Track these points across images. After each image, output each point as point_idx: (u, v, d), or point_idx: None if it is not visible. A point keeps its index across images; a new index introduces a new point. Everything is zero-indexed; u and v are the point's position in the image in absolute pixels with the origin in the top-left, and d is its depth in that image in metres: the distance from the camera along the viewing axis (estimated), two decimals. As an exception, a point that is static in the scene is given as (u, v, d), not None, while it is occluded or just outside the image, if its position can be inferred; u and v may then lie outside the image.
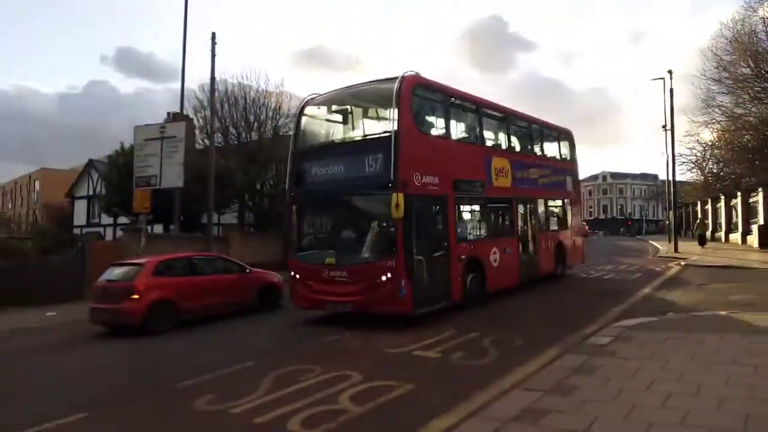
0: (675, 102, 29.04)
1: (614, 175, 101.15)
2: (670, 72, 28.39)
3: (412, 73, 10.25)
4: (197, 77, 57.11)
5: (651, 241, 40.52)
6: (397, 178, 9.16)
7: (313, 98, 11.43)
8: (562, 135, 17.19)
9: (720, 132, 36.99)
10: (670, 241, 30.52)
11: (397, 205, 8.81)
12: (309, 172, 10.63)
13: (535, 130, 15.43)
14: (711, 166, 43.54)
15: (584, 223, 60.59)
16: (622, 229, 75.73)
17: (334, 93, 11.50)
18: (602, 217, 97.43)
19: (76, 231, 33.28)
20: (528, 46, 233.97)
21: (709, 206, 38.07)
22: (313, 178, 10.54)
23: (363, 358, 7.35)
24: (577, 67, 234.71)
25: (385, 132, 9.91)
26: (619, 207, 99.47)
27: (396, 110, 9.64)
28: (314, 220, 11.32)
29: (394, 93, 9.63)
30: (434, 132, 11.18)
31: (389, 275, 9.14)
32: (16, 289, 15.47)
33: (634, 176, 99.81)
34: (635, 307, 10.68)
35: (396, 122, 9.59)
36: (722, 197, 34.82)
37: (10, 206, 59.68)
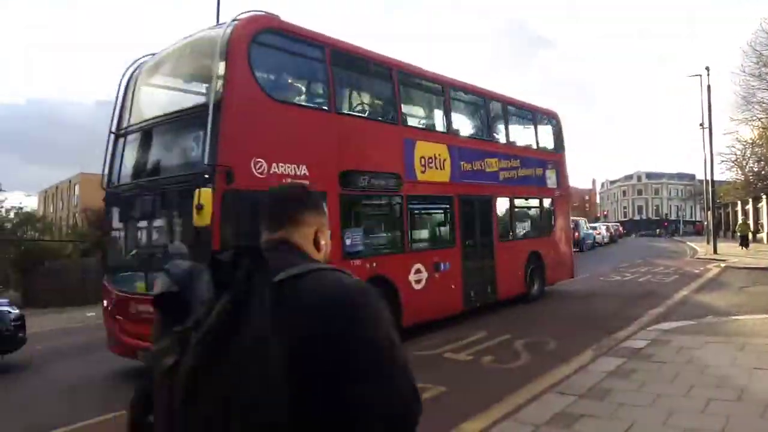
0: (713, 99, 28.19)
1: (649, 175, 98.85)
2: (707, 68, 27.66)
3: (259, 13, 7.34)
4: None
5: (688, 243, 39.47)
6: (215, 165, 6.25)
7: (141, 62, 8.38)
8: (542, 118, 13.69)
9: (761, 129, 35.84)
10: (708, 243, 29.65)
11: (199, 207, 5.81)
12: (126, 161, 7.92)
13: (495, 110, 12.09)
14: (752, 165, 42.17)
15: (600, 225, 58.29)
16: (657, 230, 73.81)
17: (166, 51, 8.22)
18: (637, 217, 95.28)
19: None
20: (548, 44, 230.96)
21: (750, 206, 36.85)
22: (130, 169, 7.82)
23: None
24: (611, 63, 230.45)
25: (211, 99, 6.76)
26: (654, 207, 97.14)
27: (223, 65, 6.72)
28: (132, 228, 8.18)
29: (221, 41, 6.74)
30: (302, 101, 8.31)
31: None
32: (57, 290, 16.03)
33: (670, 176, 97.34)
34: (672, 310, 10.40)
35: (222, 83, 6.67)
36: (764, 197, 33.65)
37: (51, 210, 61.81)
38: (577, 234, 31.88)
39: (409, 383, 1.09)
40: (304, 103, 8.30)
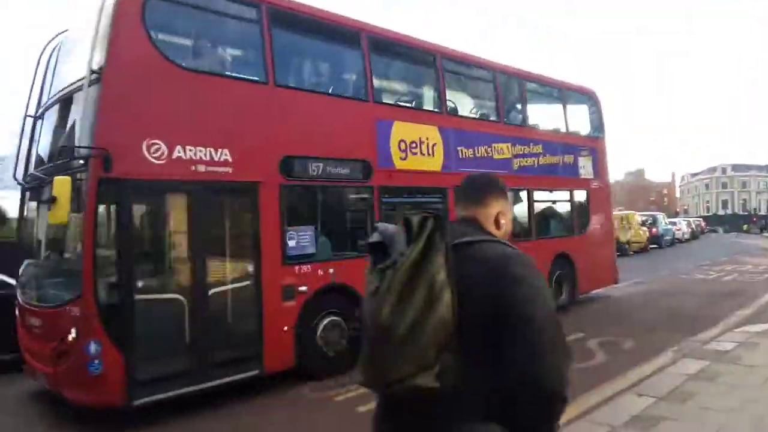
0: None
1: (735, 168, 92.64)
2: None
3: None
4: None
5: (781, 239, 36.69)
6: (90, 147, 5.03)
7: (59, 38, 7.02)
8: (574, 97, 11.55)
9: None
10: (804, 239, 27.43)
11: (53, 200, 4.78)
12: (37, 146, 6.73)
13: (507, 87, 10.19)
14: None
15: (698, 221, 54.80)
16: (745, 226, 68.96)
17: (79, 21, 6.74)
18: (721, 212, 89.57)
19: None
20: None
21: None
22: (38, 156, 6.62)
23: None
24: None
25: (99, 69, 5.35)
26: (741, 202, 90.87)
27: (109, 28, 5.34)
28: (35, 227, 6.86)
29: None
30: (225, 71, 6.63)
31: (74, 332, 4.98)
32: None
33: (759, 168, 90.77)
34: (762, 311, 9.73)
35: (105, 47, 5.32)
36: None
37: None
38: (655, 230, 30.42)
39: (552, 361, 1.38)
40: (228, 73, 6.61)
